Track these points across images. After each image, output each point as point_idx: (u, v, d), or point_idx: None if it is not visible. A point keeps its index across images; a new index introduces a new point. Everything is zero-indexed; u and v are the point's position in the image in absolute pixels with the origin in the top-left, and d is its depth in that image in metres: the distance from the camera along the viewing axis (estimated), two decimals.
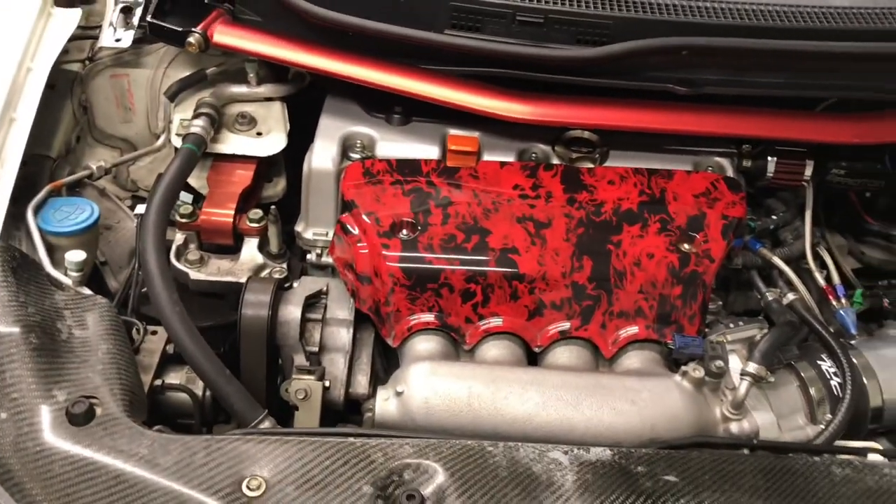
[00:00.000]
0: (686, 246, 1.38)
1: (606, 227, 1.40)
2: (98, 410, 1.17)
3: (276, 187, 1.72)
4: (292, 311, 1.43)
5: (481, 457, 1.13)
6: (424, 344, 1.35)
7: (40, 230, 1.40)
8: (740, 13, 1.48)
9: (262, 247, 1.59)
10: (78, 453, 1.12)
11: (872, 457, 1.21)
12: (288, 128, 1.67)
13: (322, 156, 1.54)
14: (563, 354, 1.35)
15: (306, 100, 1.72)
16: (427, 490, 1.08)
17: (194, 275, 1.53)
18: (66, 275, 1.35)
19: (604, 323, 1.35)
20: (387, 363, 1.52)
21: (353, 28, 1.53)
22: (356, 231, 1.41)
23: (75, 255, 1.33)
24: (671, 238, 1.39)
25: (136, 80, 1.74)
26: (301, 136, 1.65)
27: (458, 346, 1.37)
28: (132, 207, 1.71)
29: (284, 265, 1.57)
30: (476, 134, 1.57)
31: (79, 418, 1.15)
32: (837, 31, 1.47)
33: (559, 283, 1.34)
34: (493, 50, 1.51)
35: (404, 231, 1.39)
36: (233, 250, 1.59)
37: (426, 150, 1.56)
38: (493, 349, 1.35)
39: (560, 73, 1.52)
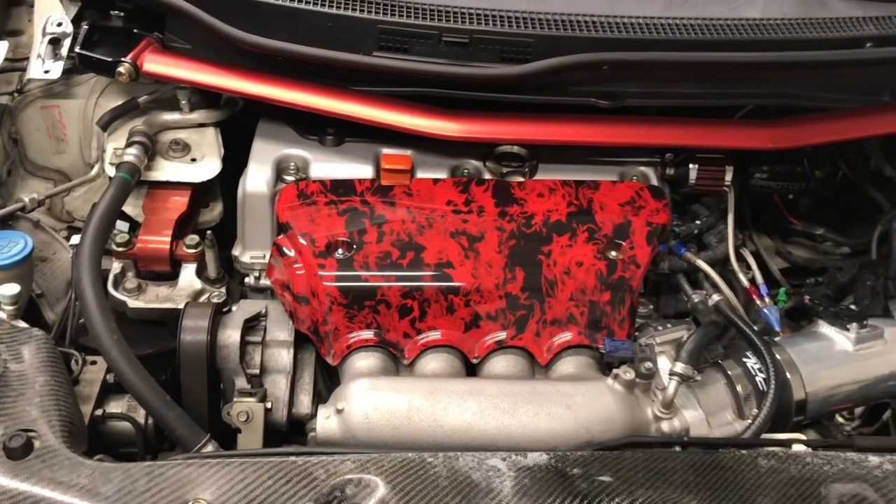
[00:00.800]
0: (613, 253, 1.43)
1: (537, 238, 1.45)
2: (36, 443, 1.17)
3: (213, 212, 1.73)
4: (231, 335, 1.44)
5: (422, 468, 1.15)
6: (364, 361, 1.37)
7: None
8: (657, 28, 1.54)
9: (200, 272, 1.60)
10: (16, 487, 1.11)
11: (796, 447, 1.26)
12: (222, 152, 1.69)
13: (256, 179, 1.56)
14: (500, 364, 1.38)
15: (240, 124, 1.74)
16: (367, 502, 1.10)
17: (132, 303, 1.53)
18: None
19: (538, 331, 1.39)
20: (329, 382, 1.54)
21: (282, 53, 1.55)
22: (292, 253, 1.43)
23: (8, 289, 1.33)
24: (599, 246, 1.44)
25: (67, 110, 1.74)
26: (236, 161, 1.67)
27: (398, 362, 1.39)
28: (68, 238, 1.70)
29: (223, 289, 1.58)
30: (409, 152, 1.61)
31: (16, 452, 1.14)
32: (749, 41, 1.54)
33: (493, 294, 1.38)
34: (421, 70, 1.54)
35: (340, 250, 1.42)
36: (171, 277, 1.60)
37: (360, 170, 1.59)
38: (432, 362, 1.38)
39: (487, 90, 1.56)
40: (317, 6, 1.53)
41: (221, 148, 1.69)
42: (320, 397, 1.51)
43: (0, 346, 1.28)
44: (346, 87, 1.59)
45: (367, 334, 1.38)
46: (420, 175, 1.58)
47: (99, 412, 1.40)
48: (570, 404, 1.28)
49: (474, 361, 1.40)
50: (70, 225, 1.75)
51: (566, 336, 1.39)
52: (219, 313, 1.45)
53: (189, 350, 1.39)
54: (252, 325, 1.48)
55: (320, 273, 1.38)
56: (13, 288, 1.33)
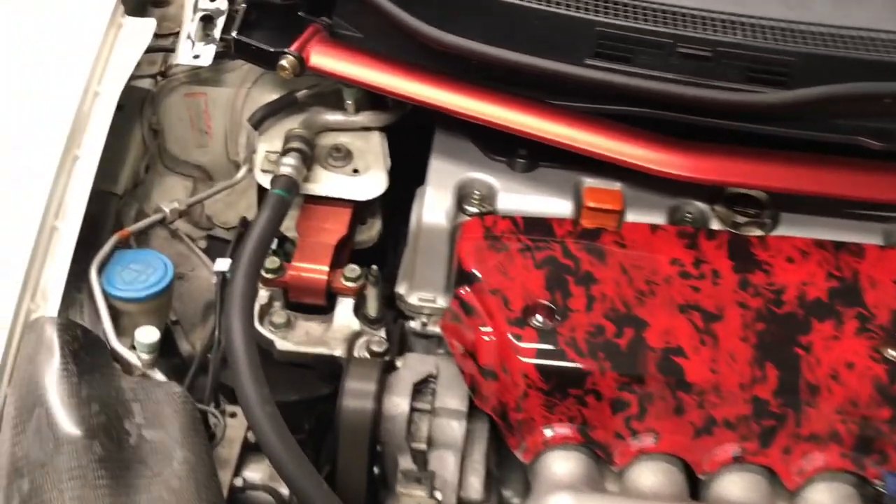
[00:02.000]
0: (893, 353, 1.11)
1: (792, 322, 1.13)
2: None
3: (371, 231, 1.47)
4: (399, 404, 1.19)
5: None
6: (563, 463, 1.10)
7: (105, 294, 1.18)
8: None
9: (358, 308, 1.36)
10: None
11: None
12: (389, 164, 1.43)
13: (434, 208, 1.29)
14: (736, 484, 1.09)
15: (405, 128, 1.48)
16: None
17: (281, 344, 1.30)
18: (134, 353, 1.13)
19: (788, 447, 1.09)
20: (499, 458, 1.29)
21: (477, 56, 1.27)
22: (480, 312, 1.16)
23: (147, 335, 1.11)
24: (874, 342, 1.12)
25: (214, 99, 1.50)
26: (397, 169, 1.41)
27: (604, 466, 1.12)
28: (207, 250, 1.49)
29: (383, 333, 1.33)
30: (618, 186, 1.31)
31: None
32: None
33: (736, 396, 1.08)
34: (645, 88, 1.24)
35: (539, 317, 1.14)
36: (323, 310, 1.36)
37: (556, 204, 1.30)
38: (649, 474, 1.10)
39: (727, 118, 1.25)
40: (524, 1, 1.24)
41: (388, 158, 1.43)
42: (490, 478, 1.26)
43: (134, 405, 1.07)
44: (545, 100, 1.31)
45: (570, 430, 1.10)
46: (631, 217, 1.28)
47: (238, 481, 1.18)
48: None
49: (701, 477, 1.11)
50: (210, 234, 1.53)
51: (825, 457, 1.08)
52: (385, 372, 1.21)
53: (351, 420, 1.15)
54: (420, 387, 1.24)
55: (516, 345, 1.11)
56: (152, 334, 1.11)
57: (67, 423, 1.00)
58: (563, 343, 1.11)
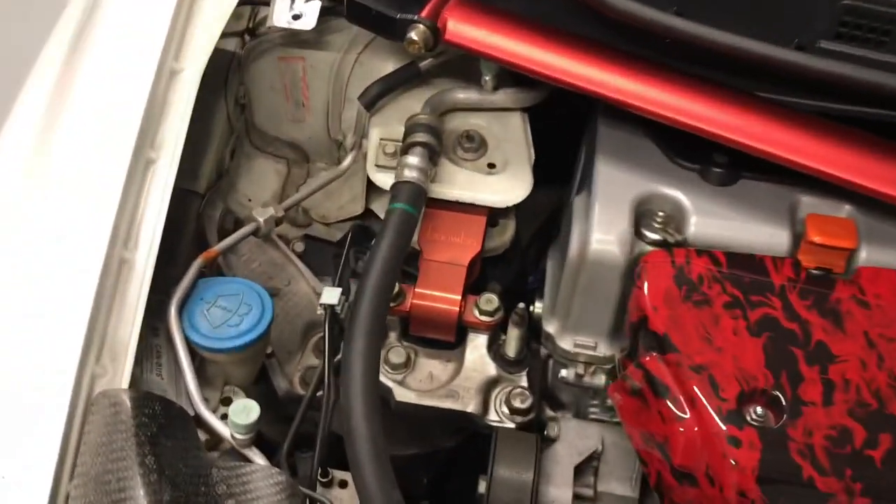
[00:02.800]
0: None
1: None
2: None
3: (504, 235, 1.18)
4: (560, 497, 0.94)
5: None
6: None
7: (188, 343, 0.93)
8: None
9: (492, 345, 1.09)
10: None
11: None
12: (533, 157, 1.13)
13: (605, 231, 0.99)
14: None
15: (552, 109, 1.17)
16: None
17: (400, 393, 1.05)
18: (224, 423, 0.89)
19: None
20: None
21: (667, 31, 0.95)
22: (676, 395, 0.87)
23: (245, 414, 0.85)
24: None
25: (314, 66, 1.20)
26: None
27: None
28: (303, 255, 1.22)
29: (524, 381, 1.07)
30: (847, 209, 0.99)
31: None
32: None
33: None
34: None
35: (759, 410, 0.85)
36: (448, 344, 1.10)
37: (766, 234, 0.99)
38: None
39: None
40: None
41: (532, 150, 1.13)
42: None
43: (229, 501, 0.83)
44: (753, 93, 0.98)
45: None
46: (866, 256, 0.97)
47: None
48: None
49: None
50: (307, 233, 1.25)
51: None
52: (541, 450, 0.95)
53: None
54: (581, 467, 0.97)
55: (731, 450, 0.83)
56: (252, 412, 0.85)
57: None
58: (795, 452, 0.82)
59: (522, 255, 1.29)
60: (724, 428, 0.84)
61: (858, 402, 0.85)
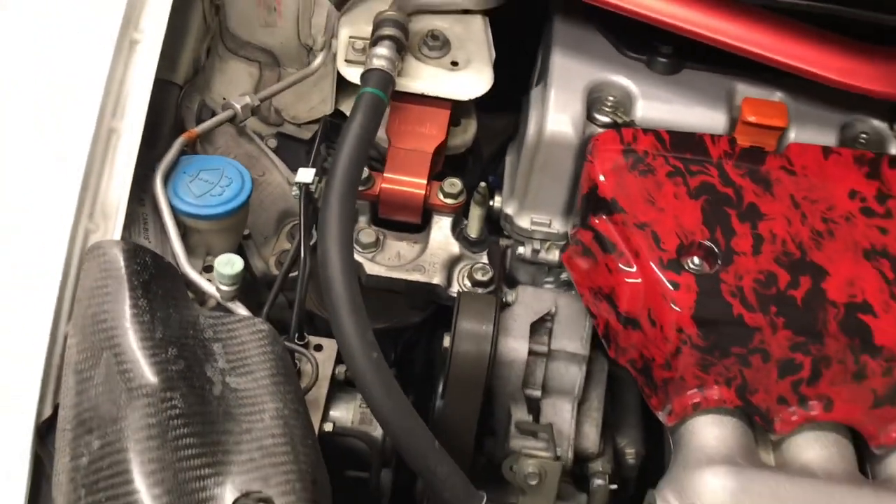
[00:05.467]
0: None
1: None
2: None
3: (466, 134, 1.26)
4: (517, 349, 1.03)
5: None
6: (715, 430, 0.94)
7: (174, 211, 0.99)
8: None
9: (455, 227, 1.17)
10: None
11: None
12: (493, 56, 1.20)
13: (560, 115, 1.07)
14: None
15: (511, 12, 1.25)
16: None
17: (370, 267, 1.13)
18: (211, 282, 0.96)
19: None
20: (612, 406, 1.14)
21: None
22: (622, 249, 0.97)
23: (230, 265, 0.92)
24: None
25: None
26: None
27: (759, 432, 0.96)
28: (276, 150, 1.29)
29: (485, 257, 1.16)
30: (779, 95, 1.09)
31: None
32: None
33: None
34: None
35: (696, 259, 0.95)
36: (415, 227, 1.18)
37: (706, 116, 1.09)
38: (815, 446, 0.94)
39: None
40: None
41: (493, 50, 1.21)
42: (606, 427, 1.11)
43: (215, 345, 0.90)
44: None
45: (726, 393, 0.94)
46: (794, 135, 1.07)
47: (328, 426, 1.03)
48: None
49: (876, 452, 0.95)
50: (280, 131, 1.32)
51: None
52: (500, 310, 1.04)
53: (467, 365, 0.99)
54: (536, 327, 1.07)
55: (671, 292, 0.93)
56: (235, 263, 0.93)
57: (141, 372, 0.83)
58: (727, 293, 0.92)
59: (482, 161, 1.38)
60: (664, 275, 0.94)
61: (784, 252, 0.96)
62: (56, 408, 0.86)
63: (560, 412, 1.07)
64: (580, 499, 1.08)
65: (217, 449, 0.83)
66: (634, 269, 0.96)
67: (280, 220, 1.21)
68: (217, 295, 0.95)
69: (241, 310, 0.96)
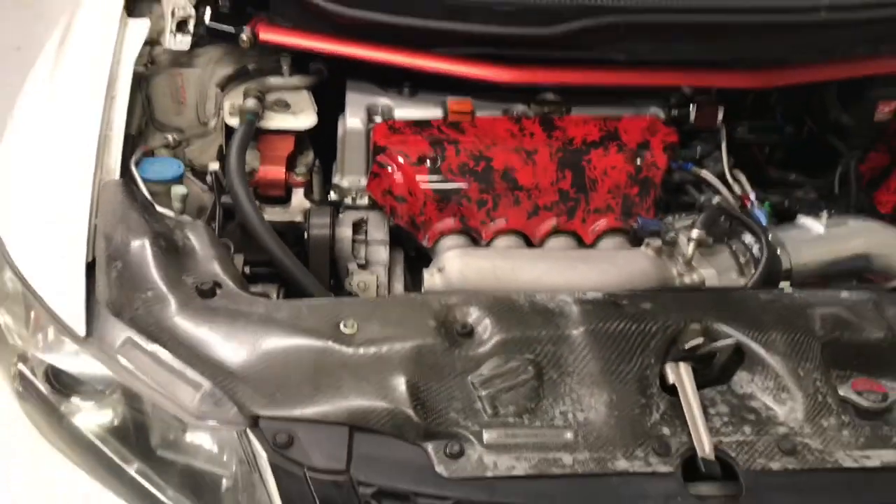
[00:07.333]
0: (638, 160, 1.86)
1: (579, 151, 1.87)
2: (219, 290, 1.55)
3: (306, 159, 2.13)
4: (345, 231, 1.84)
5: (508, 300, 1.55)
6: (451, 241, 1.78)
7: (143, 179, 1.79)
8: None
9: (307, 194, 2.01)
10: (212, 308, 1.50)
11: (787, 288, 1.68)
12: (316, 109, 2.11)
13: (353, 119, 1.97)
14: (556, 244, 1.80)
15: (322, 96, 2.17)
16: (471, 319, 1.49)
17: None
18: (171, 208, 1.74)
19: (584, 218, 1.81)
20: (412, 276, 1.94)
21: (369, 22, 1.99)
22: (391, 165, 1.84)
23: (179, 189, 1.72)
24: (627, 156, 1.87)
25: (188, 78, 2.14)
26: (321, 125, 2.10)
27: (476, 243, 1.80)
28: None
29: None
30: (469, 99, 2.04)
31: (207, 293, 1.53)
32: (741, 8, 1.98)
33: (549, 190, 1.80)
34: (479, 32, 1.98)
35: (428, 161, 1.83)
36: (283, 201, 2.00)
37: (433, 114, 2.01)
38: (503, 242, 1.79)
39: (532, 48, 2.00)
40: None
41: (315, 105, 2.11)
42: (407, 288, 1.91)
43: (176, 230, 1.67)
44: (418, 48, 2.03)
45: (454, 222, 1.78)
46: (479, 114, 2.01)
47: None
48: (615, 263, 1.69)
49: (536, 244, 1.80)
50: (192, 169, 2.15)
51: (606, 221, 1.80)
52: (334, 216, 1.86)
53: (316, 241, 1.79)
54: (356, 226, 1.89)
55: (417, 178, 1.79)
56: (182, 189, 1.73)
57: (141, 234, 1.59)
58: (445, 171, 1.80)
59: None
60: (412, 170, 1.81)
61: (471, 154, 1.85)
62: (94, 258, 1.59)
63: (377, 275, 1.87)
64: None
65: (186, 264, 1.59)
66: (399, 172, 1.83)
67: (199, 211, 2.01)
68: (172, 213, 1.73)
69: (187, 218, 1.73)
